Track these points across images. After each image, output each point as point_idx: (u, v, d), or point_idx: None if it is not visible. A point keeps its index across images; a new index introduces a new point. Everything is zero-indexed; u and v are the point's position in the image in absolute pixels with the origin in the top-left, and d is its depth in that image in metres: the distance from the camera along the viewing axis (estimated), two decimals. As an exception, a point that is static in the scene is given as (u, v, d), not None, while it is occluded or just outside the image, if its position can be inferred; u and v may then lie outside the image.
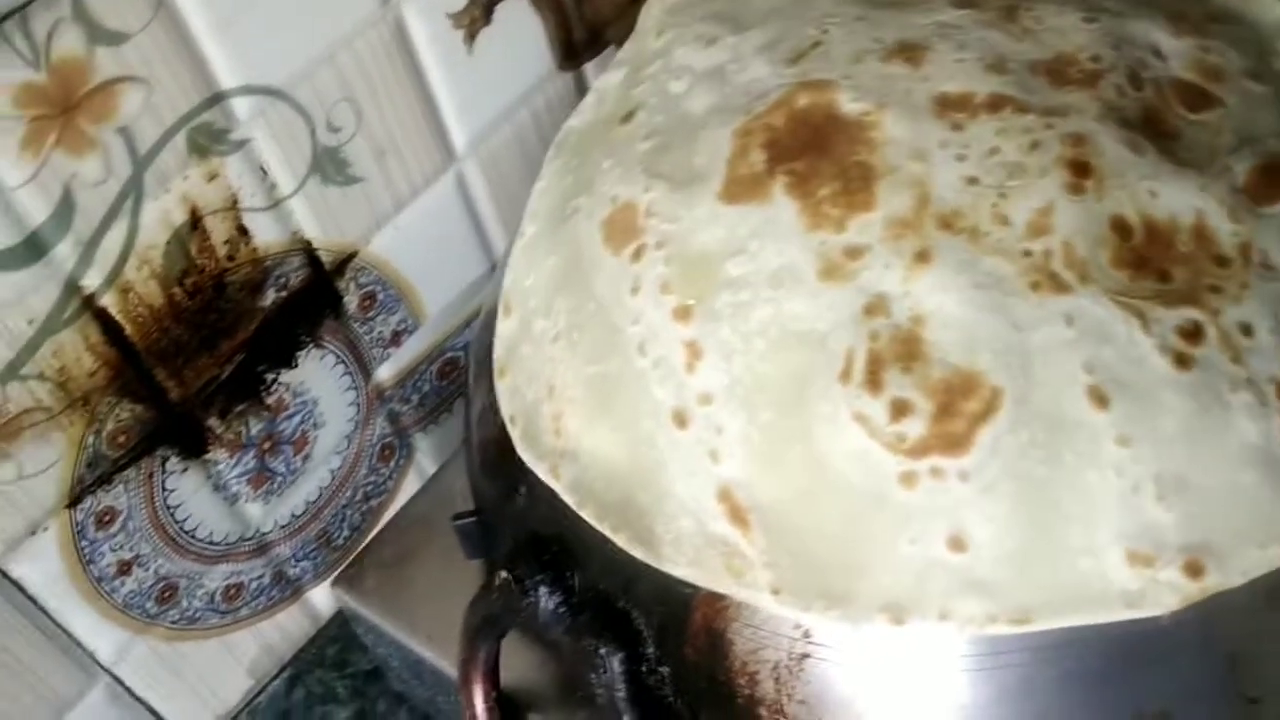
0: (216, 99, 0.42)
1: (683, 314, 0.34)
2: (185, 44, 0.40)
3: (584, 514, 0.35)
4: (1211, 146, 0.35)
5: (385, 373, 0.52)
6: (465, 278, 0.54)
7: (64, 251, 0.40)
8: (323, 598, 0.54)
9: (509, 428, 0.38)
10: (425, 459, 0.56)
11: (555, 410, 0.37)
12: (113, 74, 0.39)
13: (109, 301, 0.42)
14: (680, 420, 0.34)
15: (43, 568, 0.43)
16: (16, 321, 0.40)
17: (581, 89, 0.55)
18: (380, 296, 0.51)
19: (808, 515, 0.32)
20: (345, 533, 0.54)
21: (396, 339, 0.52)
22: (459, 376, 0.56)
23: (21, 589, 0.43)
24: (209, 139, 0.42)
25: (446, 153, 0.50)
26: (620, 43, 0.54)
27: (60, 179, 0.39)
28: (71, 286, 0.41)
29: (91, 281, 0.41)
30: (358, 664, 0.55)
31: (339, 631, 0.54)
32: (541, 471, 0.37)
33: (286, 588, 0.52)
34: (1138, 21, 0.37)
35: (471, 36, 0.49)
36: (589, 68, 0.55)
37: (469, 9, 0.48)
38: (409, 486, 0.56)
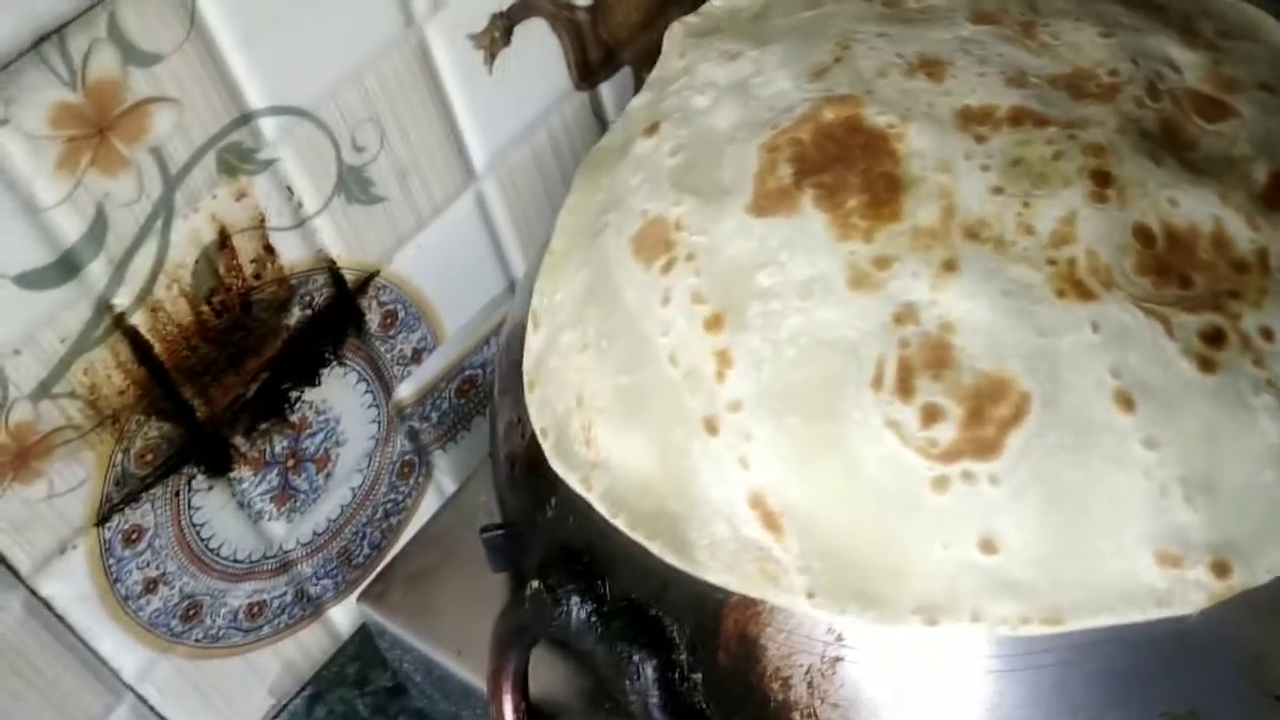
0: (245, 119, 0.43)
1: (714, 324, 0.35)
2: (215, 65, 0.41)
3: (617, 523, 0.36)
4: (1228, 156, 0.36)
5: (406, 391, 0.53)
6: (483, 296, 0.54)
7: (96, 270, 0.41)
8: (343, 616, 0.54)
9: (540, 440, 0.38)
10: (444, 476, 0.56)
11: (585, 420, 0.37)
12: (146, 94, 0.40)
13: (139, 320, 0.42)
14: (711, 428, 0.34)
15: (71, 586, 0.44)
16: (49, 340, 0.40)
17: (597, 108, 0.56)
18: (401, 314, 0.51)
19: (840, 520, 0.33)
20: (366, 550, 0.54)
21: (417, 357, 0.53)
22: (477, 394, 0.56)
23: (50, 607, 0.43)
24: (238, 158, 0.43)
25: (466, 172, 0.51)
26: (634, 63, 0.55)
27: (94, 198, 0.39)
28: (102, 305, 0.41)
29: (122, 300, 0.42)
30: (378, 681, 0.55)
31: (359, 650, 0.55)
32: (574, 482, 0.37)
33: (308, 606, 0.53)
34: (1152, 36, 0.38)
35: (492, 57, 0.50)
36: (604, 87, 0.56)
37: (489, 30, 0.49)
38: (428, 504, 0.56)
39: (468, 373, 0.56)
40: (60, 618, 0.44)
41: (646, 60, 0.55)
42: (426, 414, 0.54)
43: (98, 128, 0.39)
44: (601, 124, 0.56)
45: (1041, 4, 0.39)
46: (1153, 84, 0.37)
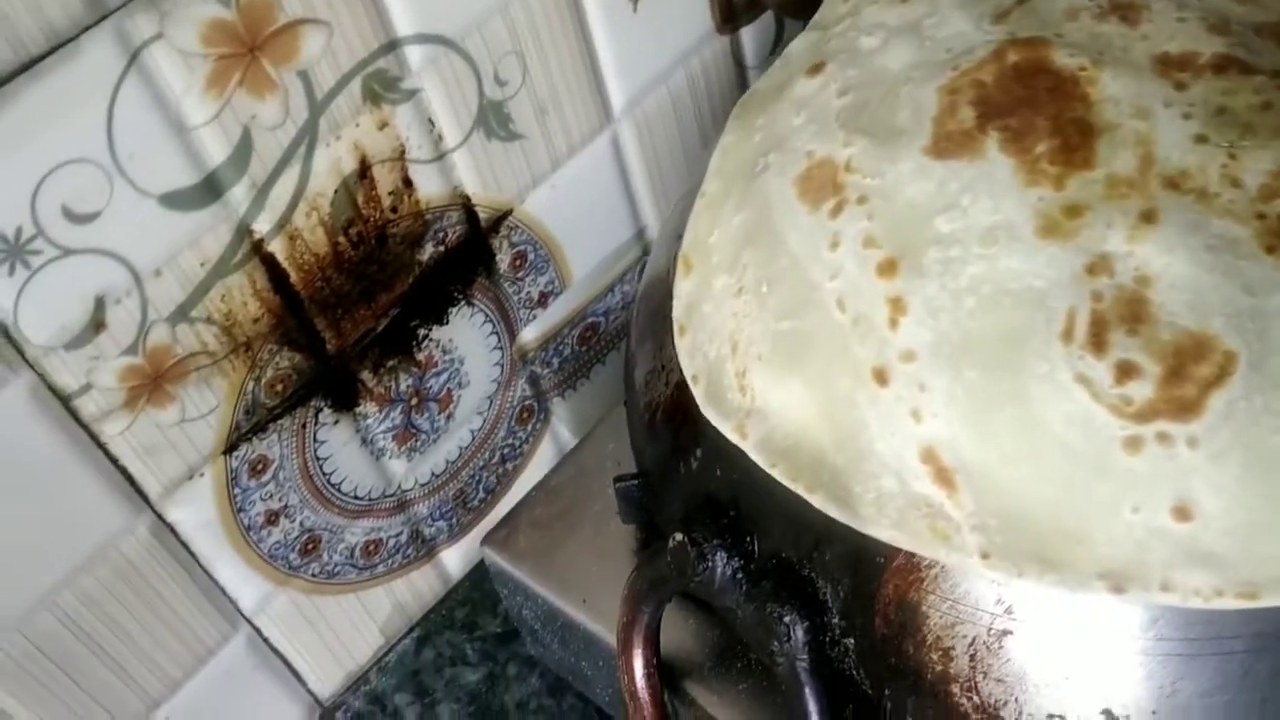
0: (392, 46, 0.41)
1: (887, 269, 0.33)
2: (368, -13, 0.40)
3: (775, 474, 0.34)
4: None
5: (530, 335, 0.52)
6: (612, 241, 0.53)
7: (239, 194, 0.40)
8: (454, 559, 0.53)
9: (692, 386, 0.37)
10: (560, 424, 0.55)
11: (740, 367, 0.36)
12: (298, 15, 0.39)
13: (277, 247, 0.41)
14: (881, 378, 0.33)
15: (197, 513, 0.43)
16: (189, 262, 0.39)
17: (737, 52, 0.54)
18: (531, 256, 0.50)
19: (1020, 478, 0.31)
20: (480, 494, 0.53)
21: (543, 300, 0.52)
22: (598, 342, 0.55)
23: (175, 533, 0.43)
24: (382, 86, 0.42)
25: (604, 113, 0.50)
26: (777, 8, 0.53)
27: (240, 120, 0.39)
28: (243, 230, 0.40)
29: (262, 226, 0.41)
30: (487, 627, 0.54)
31: (468, 594, 0.54)
32: (727, 430, 0.36)
33: (422, 547, 0.52)
34: (1363, -15, 0.36)
35: (637, -7, 0.48)
36: (745, 32, 0.54)
37: (636, -35, 0.47)
38: (543, 450, 0.55)
39: (590, 319, 0.54)
40: (184, 544, 0.43)
41: (790, 5, 0.54)
42: (548, 359, 0.53)
43: (248, 47, 0.38)
44: (740, 69, 0.54)
45: (1242, -53, 0.37)
46: (1367, 34, 0.35)
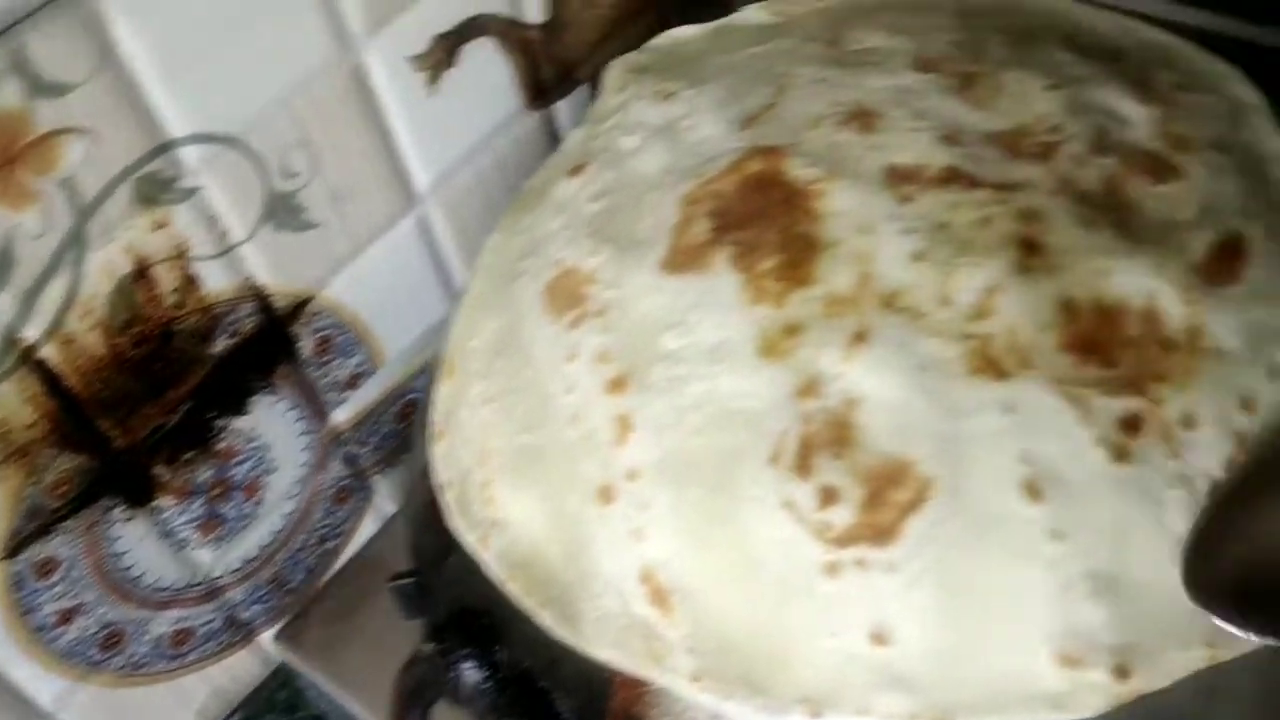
0: (164, 148, 0.41)
1: (617, 386, 0.33)
2: (132, 94, 0.39)
3: (511, 588, 0.34)
4: (1170, 221, 0.34)
5: (342, 415, 0.52)
6: (426, 319, 0.53)
7: (3, 304, 0.39)
8: (275, 642, 0.53)
9: (442, 495, 0.37)
10: (385, 500, 0.55)
11: (485, 478, 0.36)
12: (54, 125, 0.38)
13: (49, 353, 0.41)
14: (606, 496, 0.33)
15: (-21, 617, 0.43)
16: (-47, 373, 0.39)
17: (550, 128, 0.54)
18: (337, 340, 0.50)
19: (731, 600, 0.31)
20: (300, 576, 0.53)
21: (354, 381, 0.51)
22: (420, 418, 0.55)
23: (-43, 639, 0.42)
24: (156, 188, 0.41)
25: (407, 196, 0.49)
26: (591, 81, 0.53)
27: (-1, 232, 0.38)
28: (9, 339, 0.40)
29: (31, 333, 0.40)
30: (308, 709, 0.54)
31: (290, 676, 0.53)
32: (471, 541, 0.36)
33: (238, 632, 0.52)
34: (1103, 88, 0.36)
35: (435, 79, 0.48)
36: (562, 106, 0.54)
37: (432, 52, 0.47)
38: (368, 527, 0.55)
39: (410, 396, 0.54)
40: (-32, 649, 0.43)
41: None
42: (365, 439, 0.53)
43: (2, 161, 0.37)
44: (556, 143, 0.54)
45: (993, 49, 0.37)
46: (1097, 139, 0.35)
